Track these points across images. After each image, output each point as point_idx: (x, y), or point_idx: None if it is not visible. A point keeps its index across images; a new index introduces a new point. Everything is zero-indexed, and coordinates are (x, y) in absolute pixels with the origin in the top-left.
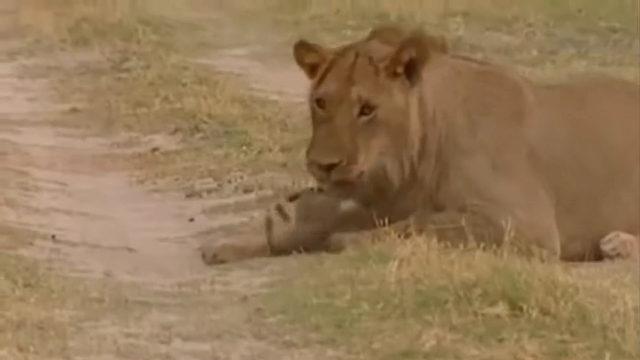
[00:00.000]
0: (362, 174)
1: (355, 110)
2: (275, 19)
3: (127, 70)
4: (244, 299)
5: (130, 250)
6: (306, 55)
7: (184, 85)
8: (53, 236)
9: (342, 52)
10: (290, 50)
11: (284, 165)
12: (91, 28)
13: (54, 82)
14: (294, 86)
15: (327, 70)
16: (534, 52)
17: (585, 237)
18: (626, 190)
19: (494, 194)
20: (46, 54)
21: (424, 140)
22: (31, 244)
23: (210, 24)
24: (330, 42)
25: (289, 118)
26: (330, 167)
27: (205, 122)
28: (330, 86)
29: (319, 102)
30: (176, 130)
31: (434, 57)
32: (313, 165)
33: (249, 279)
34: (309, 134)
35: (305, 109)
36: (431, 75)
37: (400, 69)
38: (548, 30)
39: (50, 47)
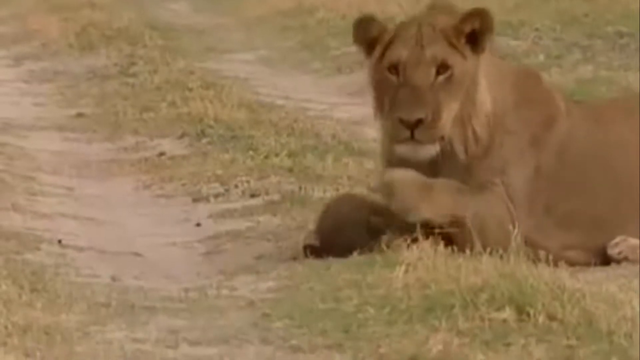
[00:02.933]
0: (442, 139)
1: (433, 69)
2: (282, 24)
3: (134, 75)
4: (251, 303)
5: (136, 255)
6: (369, 28)
7: (191, 90)
8: (60, 241)
9: (404, 25)
10: (297, 55)
11: (291, 170)
12: (98, 33)
13: (60, 87)
14: (300, 91)
15: (391, 40)
16: (541, 57)
17: (583, 247)
18: (630, 210)
19: (512, 180)
20: (53, 58)
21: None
22: (38, 248)
23: (217, 28)
24: (336, 48)
25: (295, 123)
26: (416, 124)
27: (211, 127)
28: (402, 51)
29: (390, 69)
30: (183, 135)
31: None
32: (398, 126)
33: (256, 284)
34: (315, 139)
35: (312, 113)
36: (484, 65)
37: (462, 40)
38: (555, 35)
39: (57, 52)
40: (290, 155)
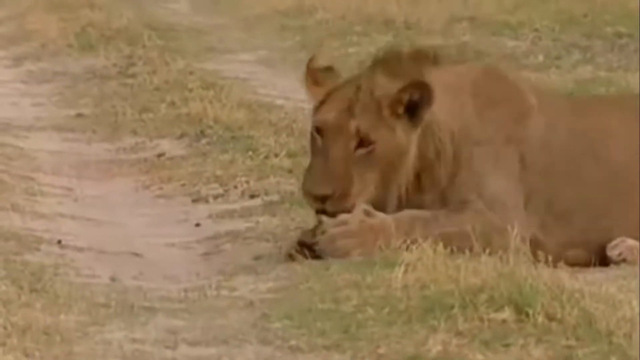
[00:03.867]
0: (354, 206)
1: (353, 143)
2: (282, 24)
3: (133, 75)
4: (250, 304)
5: (136, 255)
6: (311, 75)
7: (190, 90)
8: (59, 241)
9: (344, 83)
10: (296, 56)
11: (290, 170)
12: (97, 33)
13: (59, 87)
14: (300, 91)
15: (328, 97)
16: (540, 58)
17: (585, 245)
18: (627, 204)
19: (493, 189)
20: (52, 59)
21: (424, 171)
22: (37, 249)
23: (216, 29)
24: (335, 48)
25: (295, 123)
26: (324, 198)
27: (211, 127)
28: (329, 115)
29: (318, 130)
30: (182, 135)
31: (432, 71)
32: (308, 195)
33: (255, 284)
34: None
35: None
36: (439, 77)
37: (400, 110)
38: (554, 36)
39: (57, 52)
40: (289, 155)
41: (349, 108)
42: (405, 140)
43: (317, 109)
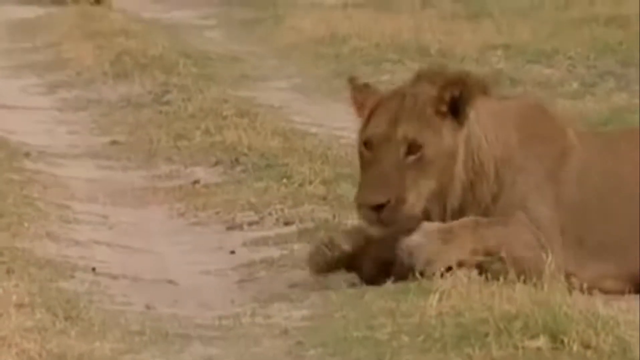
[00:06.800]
0: (413, 218)
1: (402, 149)
2: (316, 52)
3: (168, 103)
4: (285, 332)
5: (171, 282)
6: (356, 93)
7: (225, 118)
8: (94, 269)
9: (389, 95)
10: (330, 83)
11: (325, 198)
12: (132, 61)
13: (94, 114)
14: (334, 119)
15: (373, 112)
16: (575, 85)
17: (619, 277)
18: None
19: (536, 212)
20: (87, 86)
21: (467, 188)
22: (72, 276)
23: (250, 56)
24: (369, 75)
25: (329, 150)
26: (379, 208)
27: (245, 155)
28: (378, 127)
29: (366, 144)
30: (217, 162)
31: (479, 97)
32: (362, 208)
33: (290, 312)
34: (349, 167)
35: (346, 141)
36: (479, 111)
37: (444, 108)
38: (588, 63)
39: (92, 80)
40: (324, 183)
41: (396, 117)
42: (453, 141)
43: (365, 125)
